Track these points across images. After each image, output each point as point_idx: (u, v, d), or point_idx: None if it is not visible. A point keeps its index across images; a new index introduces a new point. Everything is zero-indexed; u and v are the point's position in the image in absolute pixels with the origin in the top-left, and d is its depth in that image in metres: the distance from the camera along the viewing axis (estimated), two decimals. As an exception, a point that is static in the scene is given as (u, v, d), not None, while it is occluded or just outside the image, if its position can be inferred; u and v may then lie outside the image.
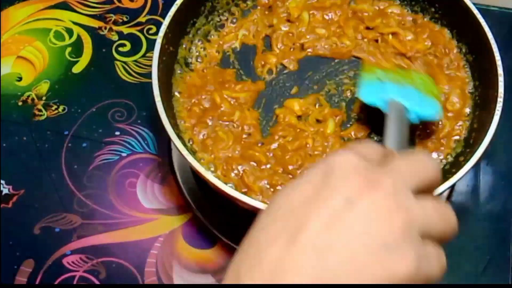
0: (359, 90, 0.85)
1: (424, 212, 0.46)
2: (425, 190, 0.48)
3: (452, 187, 0.94)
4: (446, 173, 0.82)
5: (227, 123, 0.87)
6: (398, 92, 0.82)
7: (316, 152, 0.84)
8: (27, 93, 1.06)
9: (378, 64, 0.91)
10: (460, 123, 0.86)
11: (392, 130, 0.72)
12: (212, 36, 0.96)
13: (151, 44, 1.10)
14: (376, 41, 0.95)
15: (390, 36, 0.94)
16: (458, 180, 0.75)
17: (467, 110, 0.87)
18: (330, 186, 0.45)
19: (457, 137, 0.86)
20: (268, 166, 0.83)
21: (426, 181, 0.48)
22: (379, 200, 0.44)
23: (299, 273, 0.43)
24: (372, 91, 0.84)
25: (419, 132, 0.86)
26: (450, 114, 0.87)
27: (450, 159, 0.84)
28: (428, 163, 0.49)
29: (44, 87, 1.06)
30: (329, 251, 0.43)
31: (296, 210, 0.45)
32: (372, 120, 0.87)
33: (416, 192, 0.47)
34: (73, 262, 0.90)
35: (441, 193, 0.74)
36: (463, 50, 0.91)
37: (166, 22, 0.87)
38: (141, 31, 1.13)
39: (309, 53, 0.94)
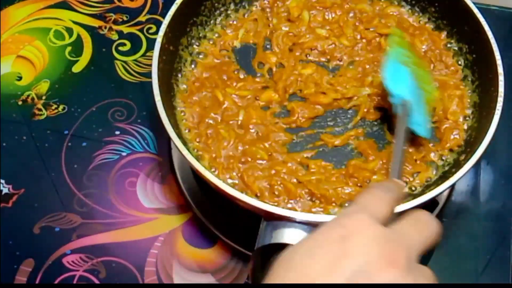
0: (385, 66, 0.81)
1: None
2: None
3: (452, 187, 0.93)
4: (446, 172, 0.82)
5: (231, 122, 0.87)
6: (413, 92, 0.80)
7: None
8: (27, 93, 1.06)
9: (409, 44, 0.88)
10: (457, 131, 0.86)
11: (399, 152, 0.72)
12: (213, 35, 0.96)
13: (151, 44, 1.10)
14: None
15: (383, 40, 0.94)
16: (458, 180, 0.75)
17: (468, 111, 0.87)
18: (349, 256, 0.46)
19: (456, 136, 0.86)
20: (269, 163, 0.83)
21: (432, 244, 0.53)
22: (395, 278, 0.46)
23: None
24: (396, 75, 0.80)
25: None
26: (448, 125, 0.87)
27: (450, 159, 0.84)
28: (433, 227, 0.53)
29: (44, 87, 1.06)
30: None
31: (316, 280, 0.46)
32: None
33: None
34: (73, 261, 0.90)
35: (441, 193, 0.74)
36: (463, 50, 0.91)
37: (166, 21, 0.87)
38: (141, 30, 1.13)
39: (308, 59, 0.94)
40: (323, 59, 0.94)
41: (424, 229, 0.52)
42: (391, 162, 0.72)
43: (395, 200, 0.56)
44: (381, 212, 0.52)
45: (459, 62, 0.92)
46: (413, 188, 0.82)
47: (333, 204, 0.79)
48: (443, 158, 0.84)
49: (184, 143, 0.78)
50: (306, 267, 0.47)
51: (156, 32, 0.97)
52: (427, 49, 0.93)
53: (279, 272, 0.49)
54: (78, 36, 1.13)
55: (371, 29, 0.95)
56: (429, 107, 0.83)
